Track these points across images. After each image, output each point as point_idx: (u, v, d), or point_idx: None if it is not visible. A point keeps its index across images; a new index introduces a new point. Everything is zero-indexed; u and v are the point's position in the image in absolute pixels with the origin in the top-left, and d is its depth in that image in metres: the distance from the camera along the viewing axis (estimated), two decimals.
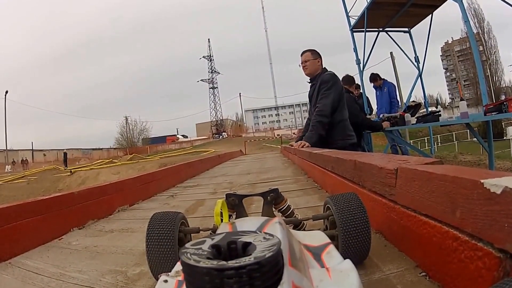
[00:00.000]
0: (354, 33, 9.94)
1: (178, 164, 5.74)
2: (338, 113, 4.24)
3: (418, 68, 10.04)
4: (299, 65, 4.52)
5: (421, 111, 7.32)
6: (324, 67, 4.47)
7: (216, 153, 15.59)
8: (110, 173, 23.13)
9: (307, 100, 4.81)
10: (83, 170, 27.11)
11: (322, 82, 4.25)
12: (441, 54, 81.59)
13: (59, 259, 1.62)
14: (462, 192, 0.78)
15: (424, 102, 10.32)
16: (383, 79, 8.74)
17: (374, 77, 8.66)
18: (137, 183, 3.44)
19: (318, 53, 4.48)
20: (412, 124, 6.50)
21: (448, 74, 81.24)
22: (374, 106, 9.28)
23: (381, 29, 9.90)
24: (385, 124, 6.77)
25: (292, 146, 5.50)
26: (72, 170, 27.23)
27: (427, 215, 0.96)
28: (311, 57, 4.42)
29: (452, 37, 79.69)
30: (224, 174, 5.75)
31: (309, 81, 4.56)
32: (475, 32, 60.98)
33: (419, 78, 10.04)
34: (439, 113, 6.07)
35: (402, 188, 1.13)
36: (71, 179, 24.76)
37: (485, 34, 62.34)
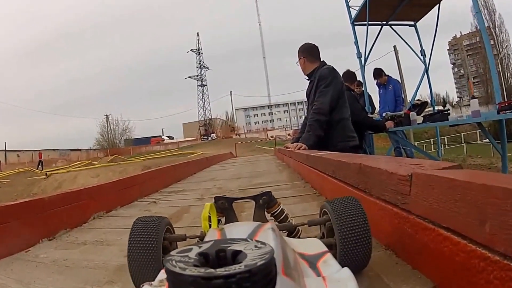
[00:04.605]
0: (355, 26, 9.90)
1: (162, 167, 5.65)
2: (338, 112, 4.19)
3: (424, 63, 10.00)
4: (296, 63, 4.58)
5: (427, 110, 7.27)
6: (323, 61, 4.46)
7: (204, 156, 15.48)
8: (89, 176, 22.87)
9: (303, 98, 4.80)
10: (60, 173, 26.87)
11: (320, 78, 4.21)
12: (448, 48, 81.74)
13: (23, 273, 1.54)
14: (492, 202, 0.72)
15: (431, 99, 10.30)
16: (388, 75, 8.68)
17: (379, 73, 8.57)
18: (116, 187, 3.36)
19: (307, 49, 4.52)
20: (418, 123, 6.43)
21: (456, 70, 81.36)
22: (377, 105, 9.22)
23: (384, 22, 9.82)
24: (389, 124, 6.72)
25: (287, 148, 5.43)
26: (48, 172, 26.97)
27: (448, 229, 0.90)
28: (298, 57, 4.52)
29: (460, 32, 79.70)
30: (212, 179, 5.66)
31: (306, 77, 4.54)
32: (485, 25, 61.03)
33: (425, 73, 10.02)
34: (448, 111, 6.02)
35: (418, 197, 1.06)
36: (47, 183, 24.43)
37: (496, 28, 62.76)
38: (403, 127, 6.80)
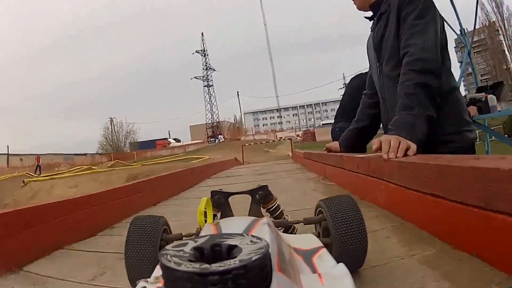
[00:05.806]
0: None
1: (114, 188, 3.13)
2: (445, 75, 1.99)
3: (465, 43, 8.83)
4: None
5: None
6: None
7: (211, 161, 14.17)
8: (67, 186, 19.96)
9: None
10: (37, 181, 24.14)
11: (402, 3, 2.03)
12: (454, 46, 79.68)
13: None
14: None
15: (476, 84, 8.96)
16: None
17: None
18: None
19: None
20: (499, 111, 4.89)
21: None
22: None
23: None
24: (473, 111, 4.53)
25: (330, 151, 3.30)
26: (25, 180, 24.56)
27: None
28: None
29: (466, 28, 77.08)
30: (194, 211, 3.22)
31: (366, 16, 2.44)
32: (493, 19, 59.76)
33: (468, 56, 8.99)
34: None
35: None
36: (21, 192, 22.05)
37: (505, 21, 60.86)
38: (488, 115, 4.87)
